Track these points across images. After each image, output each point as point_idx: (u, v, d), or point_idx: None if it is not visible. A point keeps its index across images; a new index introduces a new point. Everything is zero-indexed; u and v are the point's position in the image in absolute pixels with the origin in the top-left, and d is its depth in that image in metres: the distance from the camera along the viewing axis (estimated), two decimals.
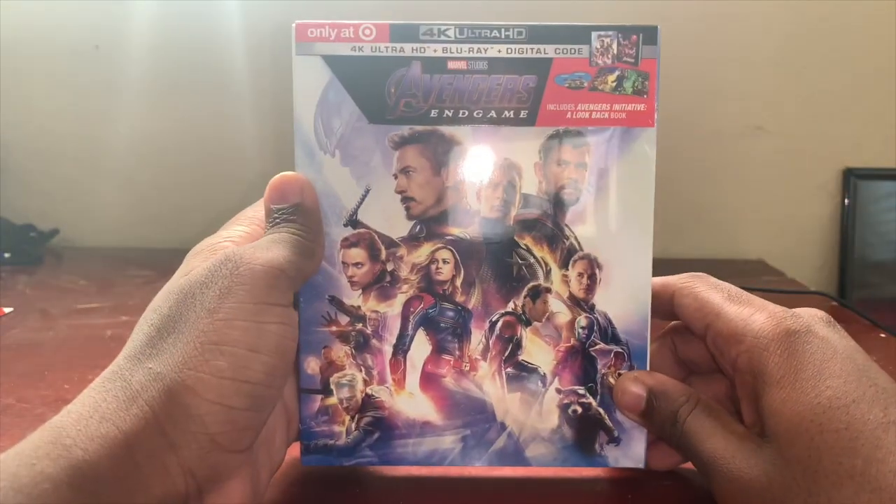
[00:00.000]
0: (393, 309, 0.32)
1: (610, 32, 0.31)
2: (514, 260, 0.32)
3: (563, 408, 0.33)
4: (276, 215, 0.30)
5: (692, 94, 0.84)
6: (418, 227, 0.32)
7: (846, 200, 0.86)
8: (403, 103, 0.31)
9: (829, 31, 0.83)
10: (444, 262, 0.32)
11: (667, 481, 0.34)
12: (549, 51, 0.31)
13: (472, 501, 0.32)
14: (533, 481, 0.33)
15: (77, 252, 0.85)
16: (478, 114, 0.32)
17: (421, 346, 0.32)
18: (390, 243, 0.32)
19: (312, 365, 0.32)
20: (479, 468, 0.33)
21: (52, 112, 0.87)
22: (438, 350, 0.33)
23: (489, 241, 0.32)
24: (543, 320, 0.33)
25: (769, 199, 0.87)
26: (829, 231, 0.87)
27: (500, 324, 0.33)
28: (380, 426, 0.32)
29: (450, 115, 0.32)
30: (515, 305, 0.32)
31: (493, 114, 0.32)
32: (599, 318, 0.33)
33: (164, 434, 0.24)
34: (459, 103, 0.32)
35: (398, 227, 0.32)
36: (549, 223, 0.32)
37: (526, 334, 0.33)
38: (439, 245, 0.32)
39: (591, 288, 0.32)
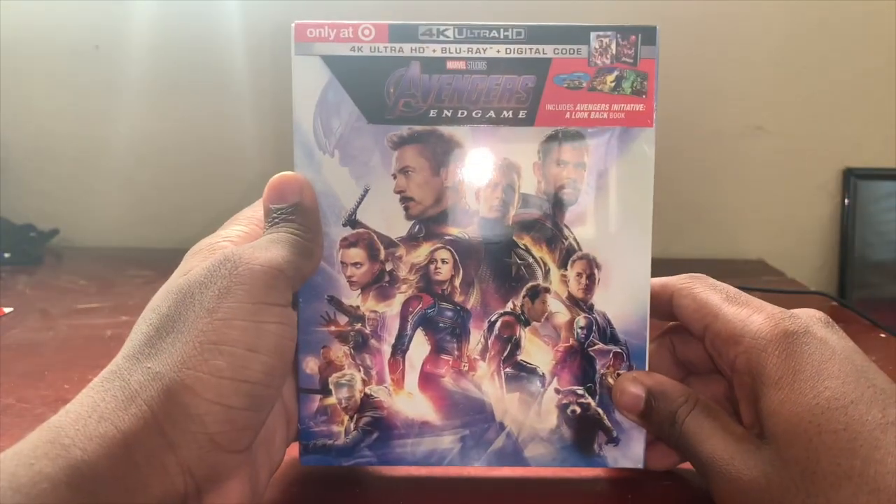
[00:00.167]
0: (392, 309, 0.32)
1: (609, 33, 0.31)
2: (513, 260, 0.32)
3: (562, 408, 0.33)
4: (274, 215, 0.30)
5: (692, 94, 0.84)
6: (417, 226, 0.32)
7: (846, 200, 0.86)
8: (402, 103, 0.31)
9: (829, 31, 0.83)
10: (443, 261, 0.32)
11: (666, 481, 0.34)
12: (547, 51, 0.31)
13: (471, 501, 0.32)
14: (532, 481, 0.33)
15: (77, 252, 0.85)
16: (477, 114, 0.32)
17: (420, 346, 0.32)
18: (389, 243, 0.32)
19: (311, 365, 0.32)
20: (477, 468, 0.33)
21: (52, 112, 0.87)
22: (437, 350, 0.33)
23: (488, 241, 0.32)
24: (542, 320, 0.33)
25: (769, 199, 0.87)
26: (829, 231, 0.87)
27: (498, 324, 0.33)
28: (378, 426, 0.32)
29: (449, 115, 0.32)
30: (514, 305, 0.33)
31: (491, 114, 0.32)
32: (598, 318, 0.33)
33: (163, 434, 0.24)
34: (458, 103, 0.32)
35: (397, 226, 0.32)
36: (548, 223, 0.32)
37: (525, 334, 0.33)
38: (438, 245, 0.32)
39: (589, 288, 0.32)
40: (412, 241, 0.32)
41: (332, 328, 0.32)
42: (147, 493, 0.23)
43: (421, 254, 0.32)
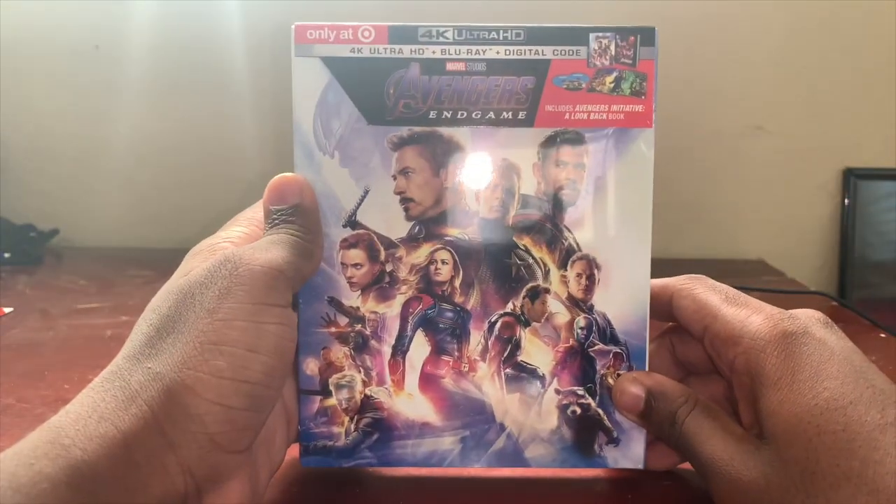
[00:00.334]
0: (392, 310, 0.32)
1: (608, 34, 0.31)
2: (513, 260, 0.32)
3: (563, 408, 0.33)
4: (275, 216, 0.30)
5: (692, 94, 0.84)
6: (417, 227, 0.32)
7: (846, 200, 0.86)
8: (402, 104, 0.32)
9: (829, 31, 0.83)
10: (443, 262, 0.32)
11: (666, 481, 0.34)
12: (547, 52, 0.31)
13: (471, 502, 0.32)
14: (532, 482, 0.33)
15: (77, 252, 0.85)
16: (476, 115, 0.32)
17: (420, 347, 0.33)
18: (389, 244, 0.32)
19: (311, 366, 0.32)
20: (478, 469, 0.33)
21: (52, 112, 0.87)
22: (437, 351, 0.33)
23: (488, 242, 0.32)
24: (542, 321, 0.33)
25: (769, 199, 0.87)
26: (829, 231, 0.88)
27: (498, 324, 0.33)
28: (379, 427, 0.32)
29: (448, 116, 0.32)
30: (514, 306, 0.33)
31: (491, 115, 0.32)
32: (598, 318, 0.33)
33: (163, 434, 0.24)
34: (458, 104, 0.32)
35: (397, 227, 0.32)
36: (548, 224, 0.32)
37: (525, 335, 0.33)
38: (438, 246, 0.32)
39: (589, 288, 0.32)
40: (412, 242, 0.32)
41: (333, 329, 0.32)
42: (147, 493, 0.23)
43: (421, 255, 0.32)
